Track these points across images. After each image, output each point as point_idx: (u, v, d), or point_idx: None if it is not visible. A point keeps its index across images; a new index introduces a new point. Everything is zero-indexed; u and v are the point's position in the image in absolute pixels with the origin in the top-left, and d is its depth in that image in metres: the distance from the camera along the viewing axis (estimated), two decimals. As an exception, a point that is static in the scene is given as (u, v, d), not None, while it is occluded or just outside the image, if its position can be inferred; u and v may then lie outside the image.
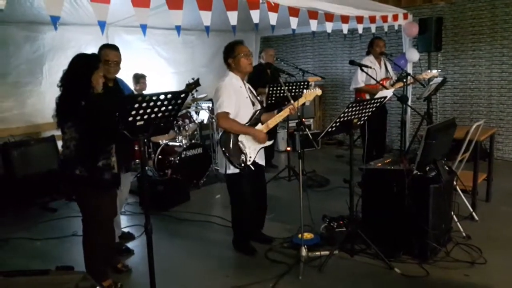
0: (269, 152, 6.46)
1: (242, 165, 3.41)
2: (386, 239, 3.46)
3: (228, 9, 3.81)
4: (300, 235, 3.47)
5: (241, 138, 3.42)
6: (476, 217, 4.11)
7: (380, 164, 3.69)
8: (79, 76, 2.76)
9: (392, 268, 3.24)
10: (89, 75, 2.77)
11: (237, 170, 3.42)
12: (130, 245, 3.85)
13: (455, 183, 3.82)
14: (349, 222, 3.70)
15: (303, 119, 3.58)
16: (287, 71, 4.90)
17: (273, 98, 5.14)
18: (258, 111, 3.54)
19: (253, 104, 3.56)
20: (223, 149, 3.40)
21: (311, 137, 3.50)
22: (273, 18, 4.14)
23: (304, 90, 5.19)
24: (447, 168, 3.58)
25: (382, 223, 3.50)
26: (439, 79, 4.98)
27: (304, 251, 3.40)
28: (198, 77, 4.96)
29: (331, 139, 7.99)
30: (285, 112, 3.48)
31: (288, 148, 6.15)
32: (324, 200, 4.85)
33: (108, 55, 3.39)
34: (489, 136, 4.58)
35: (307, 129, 3.44)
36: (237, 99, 3.41)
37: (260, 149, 3.52)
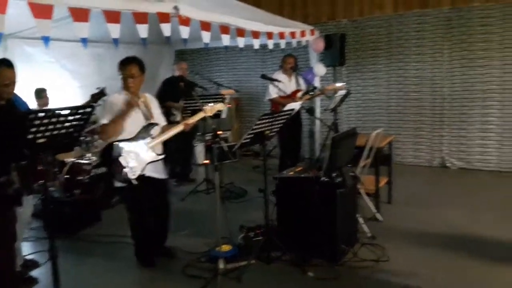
0: (186, 166, 6.41)
1: (126, 180, 3.34)
2: (300, 244, 3.61)
3: (137, 21, 3.73)
4: (217, 248, 3.49)
5: (124, 153, 3.33)
6: (379, 218, 4.45)
7: (292, 173, 3.86)
8: None
9: (306, 273, 3.38)
10: None
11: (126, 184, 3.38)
12: (34, 273, 3.57)
13: (359, 187, 4.12)
14: (265, 230, 3.79)
15: (219, 132, 3.62)
16: (200, 85, 4.93)
17: (189, 112, 5.14)
18: (149, 125, 3.51)
19: (147, 118, 3.55)
20: (105, 165, 3.38)
21: (226, 150, 3.57)
22: (184, 31, 4.13)
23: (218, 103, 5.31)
24: (351, 174, 3.86)
25: (296, 229, 3.65)
26: (343, 92, 5.35)
27: (221, 264, 3.42)
28: (105, 86, 4.75)
29: (248, 150, 8.13)
30: (175, 129, 3.52)
31: (206, 161, 6.14)
32: (243, 210, 4.92)
33: (8, 76, 2.92)
34: (388, 142, 5.01)
35: (222, 142, 3.50)
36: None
37: (148, 163, 3.43)
